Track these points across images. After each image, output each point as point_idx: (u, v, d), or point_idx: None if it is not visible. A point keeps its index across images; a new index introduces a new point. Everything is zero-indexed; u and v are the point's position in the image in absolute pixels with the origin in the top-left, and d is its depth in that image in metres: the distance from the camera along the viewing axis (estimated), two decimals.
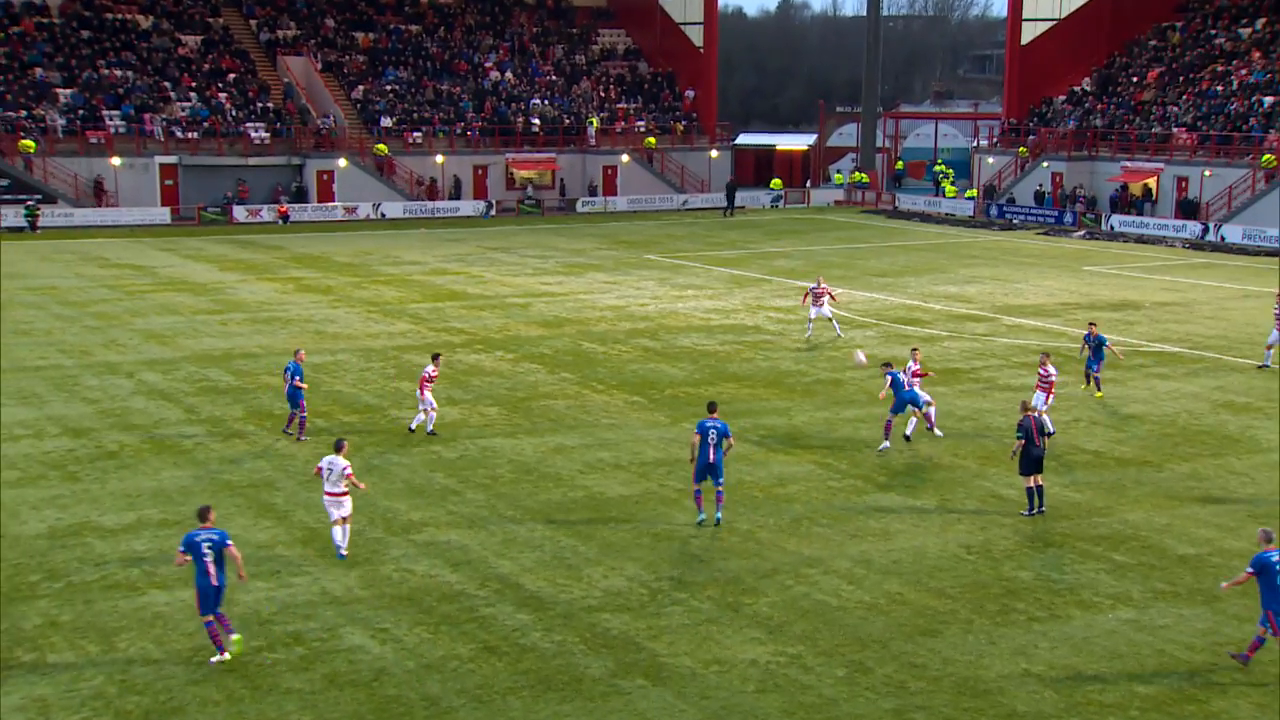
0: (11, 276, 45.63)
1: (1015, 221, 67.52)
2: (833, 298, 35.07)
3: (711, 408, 19.94)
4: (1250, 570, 14.94)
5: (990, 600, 17.08)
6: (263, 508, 20.58)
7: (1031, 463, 20.21)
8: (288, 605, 16.74)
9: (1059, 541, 19.32)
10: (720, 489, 19.81)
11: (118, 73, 69.43)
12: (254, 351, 33.04)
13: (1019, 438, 20.26)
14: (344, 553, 18.38)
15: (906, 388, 23.72)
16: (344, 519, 18.44)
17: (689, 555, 18.65)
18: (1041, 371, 25.20)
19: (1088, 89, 74.30)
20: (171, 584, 17.32)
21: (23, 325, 36.27)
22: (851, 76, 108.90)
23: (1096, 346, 27.87)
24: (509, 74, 78.78)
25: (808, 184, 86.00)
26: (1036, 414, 20.69)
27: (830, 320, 34.98)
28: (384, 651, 15.49)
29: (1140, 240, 60.23)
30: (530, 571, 18.01)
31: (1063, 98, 74.82)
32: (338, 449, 18.45)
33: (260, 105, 70.50)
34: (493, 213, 70.17)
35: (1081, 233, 62.93)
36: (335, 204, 68.03)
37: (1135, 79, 72.18)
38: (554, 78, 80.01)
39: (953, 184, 76.61)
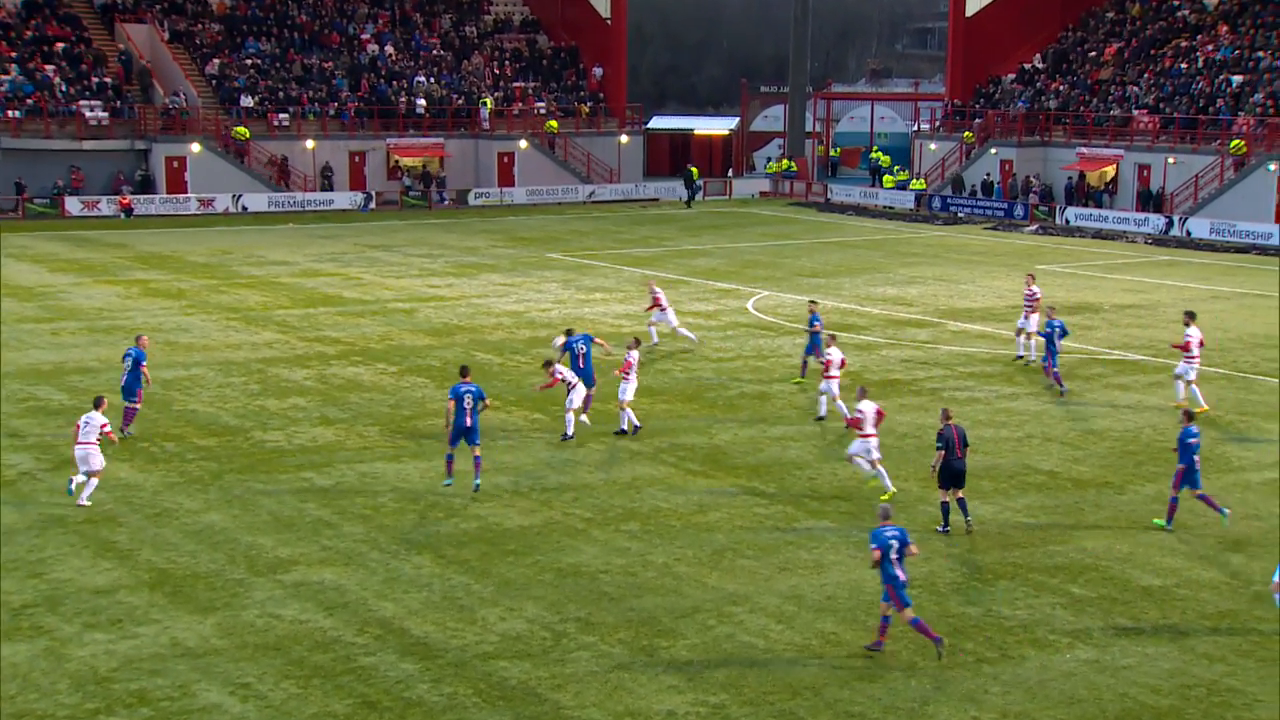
0: None
1: (960, 215, 68.69)
2: (661, 304, 35.03)
3: (464, 372, 23.31)
4: (876, 548, 16.48)
5: None
6: (102, 546, 20.17)
7: (952, 476, 20.99)
8: (131, 659, 16.43)
9: (1010, 573, 19.66)
10: (478, 455, 22.73)
11: None
12: (91, 366, 32.40)
13: (939, 448, 21.02)
14: (84, 502, 21.71)
15: (581, 362, 26.61)
16: (94, 473, 21.87)
17: (597, 593, 18.66)
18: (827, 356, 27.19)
19: (1040, 66, 75.94)
20: None
21: None
22: (778, 52, 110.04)
23: (814, 333, 30.22)
24: (389, 47, 78.28)
25: (729, 173, 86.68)
26: (958, 422, 21.46)
27: (674, 328, 34.97)
28: (245, 710, 15.26)
29: (1098, 235, 61.66)
30: (416, 614, 17.89)
31: (1012, 76, 76.38)
32: (97, 405, 22.27)
33: (96, 80, 69.18)
34: (372, 205, 69.71)
35: (1034, 227, 64.21)
36: (188, 195, 67.01)
37: (1092, 55, 73.95)
38: (441, 52, 79.68)
39: (892, 173, 77.59)
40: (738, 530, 21.30)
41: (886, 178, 76.77)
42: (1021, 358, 33.09)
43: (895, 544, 16.50)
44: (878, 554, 16.42)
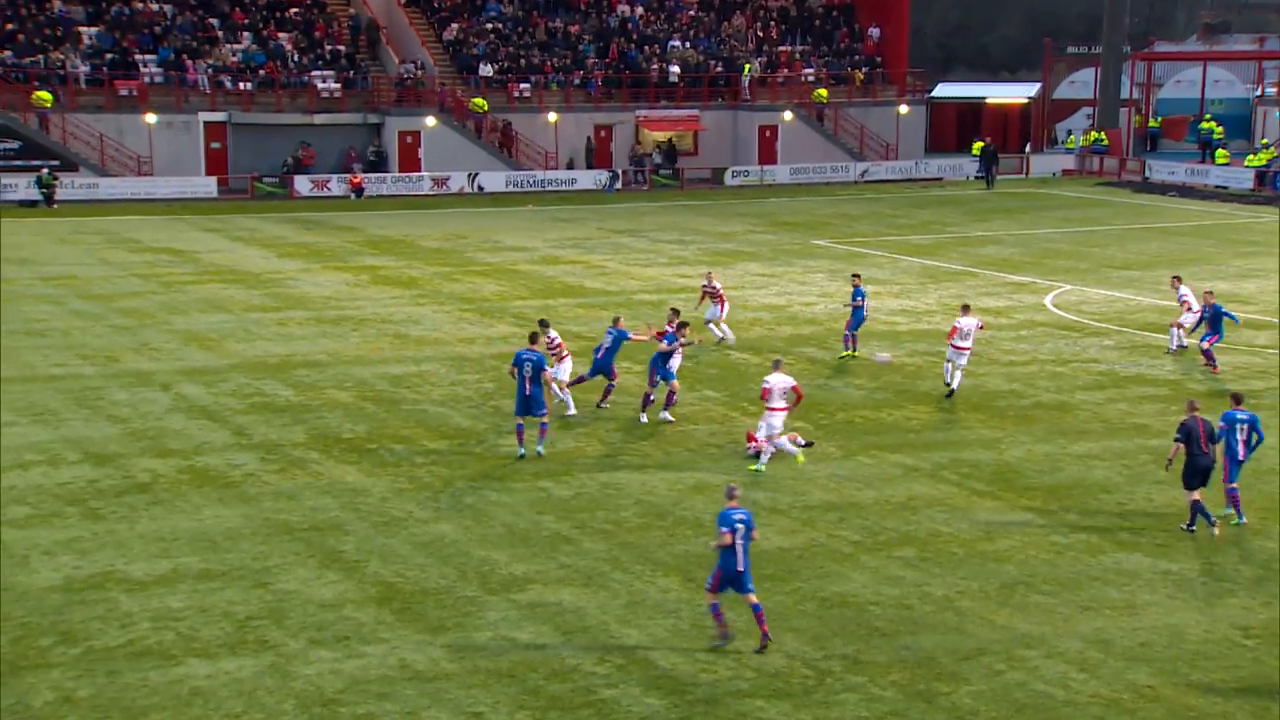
0: (21, 262, 47.52)
1: None
2: (721, 299, 35.27)
3: (533, 339, 26.14)
4: (726, 530, 17.48)
5: None
6: (328, 556, 21.03)
7: (1199, 473, 21.53)
8: (358, 680, 17.08)
9: None
10: (544, 422, 25.44)
11: (154, 7, 71.86)
12: (319, 359, 33.83)
13: (1177, 440, 21.68)
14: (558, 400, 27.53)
15: (602, 352, 28.46)
16: (560, 382, 27.74)
17: (868, 627, 18.55)
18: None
19: None
20: (214, 652, 17.80)
21: (35, 323, 37.72)
22: (1087, 7, 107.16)
23: (856, 307, 33.47)
24: (640, 8, 79.37)
25: (1027, 148, 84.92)
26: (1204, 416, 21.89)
27: (716, 324, 35.21)
28: None
29: None
30: (663, 643, 18.10)
31: None
32: (532, 341, 26.06)
33: (329, 49, 72.24)
34: (618, 185, 70.78)
35: None
36: (421, 174, 69.42)
37: None
38: (698, 13, 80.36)
39: (1231, 148, 74.63)
40: (1032, 561, 20.87)
41: (1220, 152, 73.91)
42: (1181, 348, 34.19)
43: (742, 528, 17.45)
44: (729, 538, 17.34)
